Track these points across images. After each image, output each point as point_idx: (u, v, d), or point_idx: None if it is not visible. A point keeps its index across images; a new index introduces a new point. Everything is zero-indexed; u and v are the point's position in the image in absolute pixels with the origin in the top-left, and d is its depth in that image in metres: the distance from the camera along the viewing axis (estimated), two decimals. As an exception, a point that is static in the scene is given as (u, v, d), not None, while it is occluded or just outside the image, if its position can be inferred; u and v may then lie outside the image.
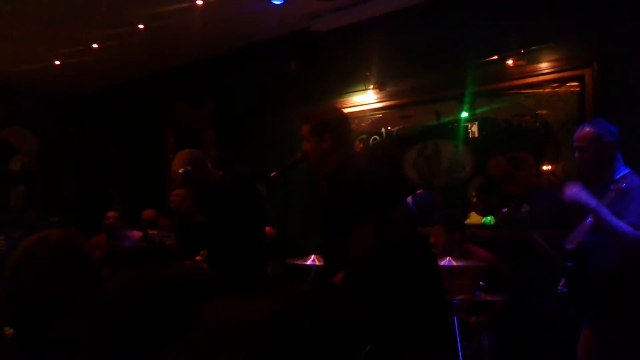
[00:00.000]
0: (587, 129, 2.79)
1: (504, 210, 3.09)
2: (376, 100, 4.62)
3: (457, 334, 3.00)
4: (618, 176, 2.70)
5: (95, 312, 1.13)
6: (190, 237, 3.03)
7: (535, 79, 3.79)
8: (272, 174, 2.79)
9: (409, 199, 4.27)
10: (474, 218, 4.12)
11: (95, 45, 5.40)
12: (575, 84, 3.62)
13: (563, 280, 2.87)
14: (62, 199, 6.72)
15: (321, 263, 3.41)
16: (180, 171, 2.85)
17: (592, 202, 2.60)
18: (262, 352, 0.68)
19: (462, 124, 4.15)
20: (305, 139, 2.67)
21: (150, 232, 4.62)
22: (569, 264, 2.77)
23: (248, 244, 2.93)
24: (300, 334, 0.72)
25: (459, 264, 3.16)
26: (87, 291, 1.36)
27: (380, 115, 4.66)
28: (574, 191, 2.64)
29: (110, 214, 5.68)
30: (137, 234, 4.71)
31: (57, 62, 5.81)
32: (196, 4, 4.49)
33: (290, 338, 0.71)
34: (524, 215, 2.69)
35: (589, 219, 2.76)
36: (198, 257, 3.65)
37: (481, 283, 3.12)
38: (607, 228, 2.54)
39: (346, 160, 2.60)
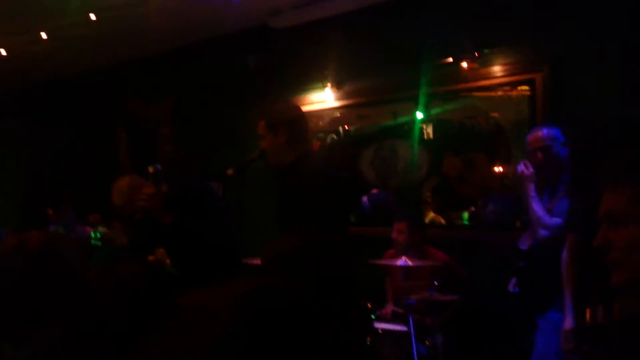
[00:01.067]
0: (545, 130, 2.89)
1: (472, 209, 3.17)
2: (334, 99, 4.64)
3: (413, 333, 3.05)
4: (566, 178, 2.81)
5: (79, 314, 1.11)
6: (152, 237, 2.99)
7: (488, 82, 3.88)
8: (228, 172, 2.76)
9: (364, 198, 4.32)
10: (430, 217, 4.19)
11: (44, 35, 5.20)
12: (526, 87, 3.73)
13: (514, 280, 2.96)
14: (3, 195, 6.48)
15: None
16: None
17: (532, 192, 2.82)
18: (236, 332, 0.72)
19: (418, 125, 4.21)
20: (262, 136, 2.66)
21: (101, 229, 4.52)
22: (522, 264, 2.85)
23: (212, 244, 2.92)
24: (272, 314, 0.76)
25: (414, 264, 3.20)
26: (66, 301, 1.26)
27: (338, 114, 4.67)
28: (527, 174, 2.83)
29: (50, 211, 5.51)
30: (87, 230, 4.60)
31: (2, 52, 5.57)
32: (152, -4, 4.39)
33: (263, 318, 0.75)
34: (489, 215, 2.78)
35: None
36: (151, 257, 3.59)
37: (436, 282, 3.18)
38: (532, 215, 2.79)
39: (302, 157, 2.60)
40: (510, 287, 2.94)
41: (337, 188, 2.58)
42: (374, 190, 4.34)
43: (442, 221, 4.12)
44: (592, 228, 1.19)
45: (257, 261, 3.52)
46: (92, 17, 4.80)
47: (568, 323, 2.34)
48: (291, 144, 2.61)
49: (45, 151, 6.91)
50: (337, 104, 4.64)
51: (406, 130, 4.28)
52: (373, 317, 3.30)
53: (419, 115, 4.18)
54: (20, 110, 7.06)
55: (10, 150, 6.79)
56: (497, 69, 3.83)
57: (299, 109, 2.90)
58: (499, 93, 3.86)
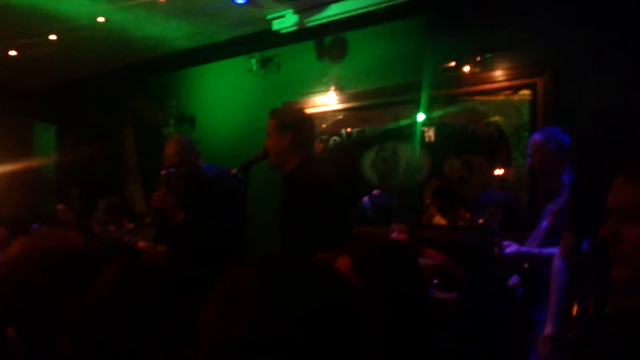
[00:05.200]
0: (536, 137, 2.93)
1: (480, 221, 3.21)
2: (337, 102, 4.69)
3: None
4: (568, 181, 2.83)
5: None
6: (174, 235, 3.12)
7: (489, 86, 3.91)
8: (232, 171, 2.81)
9: (365, 199, 4.37)
10: (435, 219, 4.23)
11: (53, 37, 5.28)
12: (528, 92, 3.76)
13: (515, 278, 2.99)
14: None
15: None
16: (163, 173, 3.01)
17: (524, 249, 2.82)
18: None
19: (419, 128, 4.25)
20: (268, 134, 2.71)
21: (112, 228, 4.49)
22: (527, 266, 2.88)
23: (237, 236, 3.03)
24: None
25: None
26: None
27: (341, 116, 4.72)
28: (511, 249, 2.81)
29: (60, 207, 5.52)
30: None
31: (13, 53, 5.66)
32: (159, -2, 4.45)
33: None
34: (496, 225, 2.81)
35: (544, 223, 2.88)
36: (141, 244, 3.68)
37: (435, 281, 3.22)
38: (547, 260, 2.63)
39: (304, 164, 2.64)
40: (511, 288, 2.97)
41: (337, 195, 2.61)
42: (375, 191, 4.39)
43: (444, 222, 4.16)
44: (590, 228, 1.17)
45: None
46: (101, 19, 4.88)
47: (548, 329, 2.28)
48: (294, 148, 2.64)
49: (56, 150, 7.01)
50: (339, 107, 4.68)
51: (408, 132, 4.33)
52: None
53: (421, 118, 4.22)
54: (32, 110, 7.16)
55: (22, 149, 6.89)
56: (498, 74, 3.86)
57: (306, 115, 2.95)
58: (500, 97, 3.90)
